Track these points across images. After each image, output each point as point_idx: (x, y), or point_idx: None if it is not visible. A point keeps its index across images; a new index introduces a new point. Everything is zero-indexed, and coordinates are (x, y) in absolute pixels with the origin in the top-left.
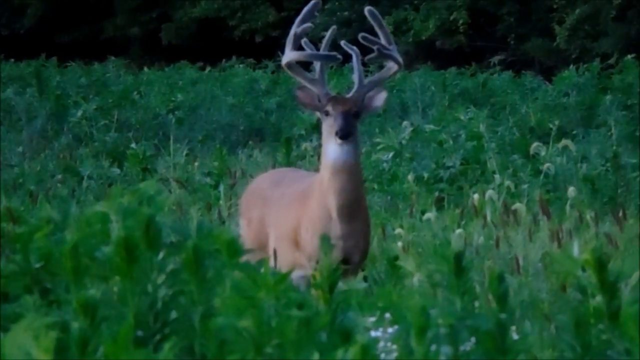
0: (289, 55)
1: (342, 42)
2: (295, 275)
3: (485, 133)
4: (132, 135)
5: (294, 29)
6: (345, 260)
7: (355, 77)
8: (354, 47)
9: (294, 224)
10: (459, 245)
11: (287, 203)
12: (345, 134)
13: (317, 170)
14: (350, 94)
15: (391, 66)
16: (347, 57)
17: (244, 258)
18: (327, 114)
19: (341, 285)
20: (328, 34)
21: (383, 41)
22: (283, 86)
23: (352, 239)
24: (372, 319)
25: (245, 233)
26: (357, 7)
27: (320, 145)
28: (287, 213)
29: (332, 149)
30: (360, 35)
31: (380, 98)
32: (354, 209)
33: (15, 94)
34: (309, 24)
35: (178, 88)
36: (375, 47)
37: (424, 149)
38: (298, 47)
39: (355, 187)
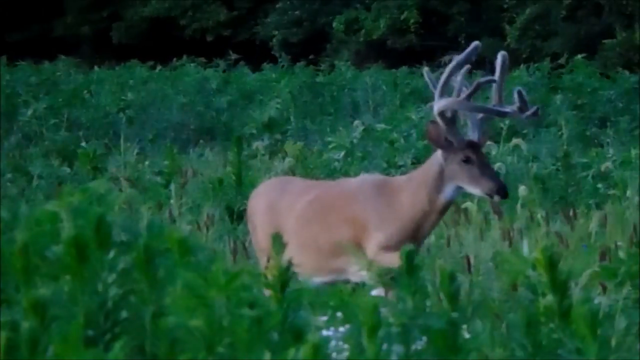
0: (448, 103)
1: (481, 80)
2: (316, 282)
3: None
4: (83, 134)
5: (449, 72)
6: None
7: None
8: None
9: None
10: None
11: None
12: (506, 194)
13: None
14: (480, 139)
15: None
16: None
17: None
18: (467, 160)
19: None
20: (463, 69)
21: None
22: (234, 85)
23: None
24: (324, 318)
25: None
26: (307, 6)
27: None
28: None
29: (453, 190)
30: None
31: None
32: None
33: None
34: (467, 66)
35: (129, 87)
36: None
37: (376, 148)
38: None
39: None
